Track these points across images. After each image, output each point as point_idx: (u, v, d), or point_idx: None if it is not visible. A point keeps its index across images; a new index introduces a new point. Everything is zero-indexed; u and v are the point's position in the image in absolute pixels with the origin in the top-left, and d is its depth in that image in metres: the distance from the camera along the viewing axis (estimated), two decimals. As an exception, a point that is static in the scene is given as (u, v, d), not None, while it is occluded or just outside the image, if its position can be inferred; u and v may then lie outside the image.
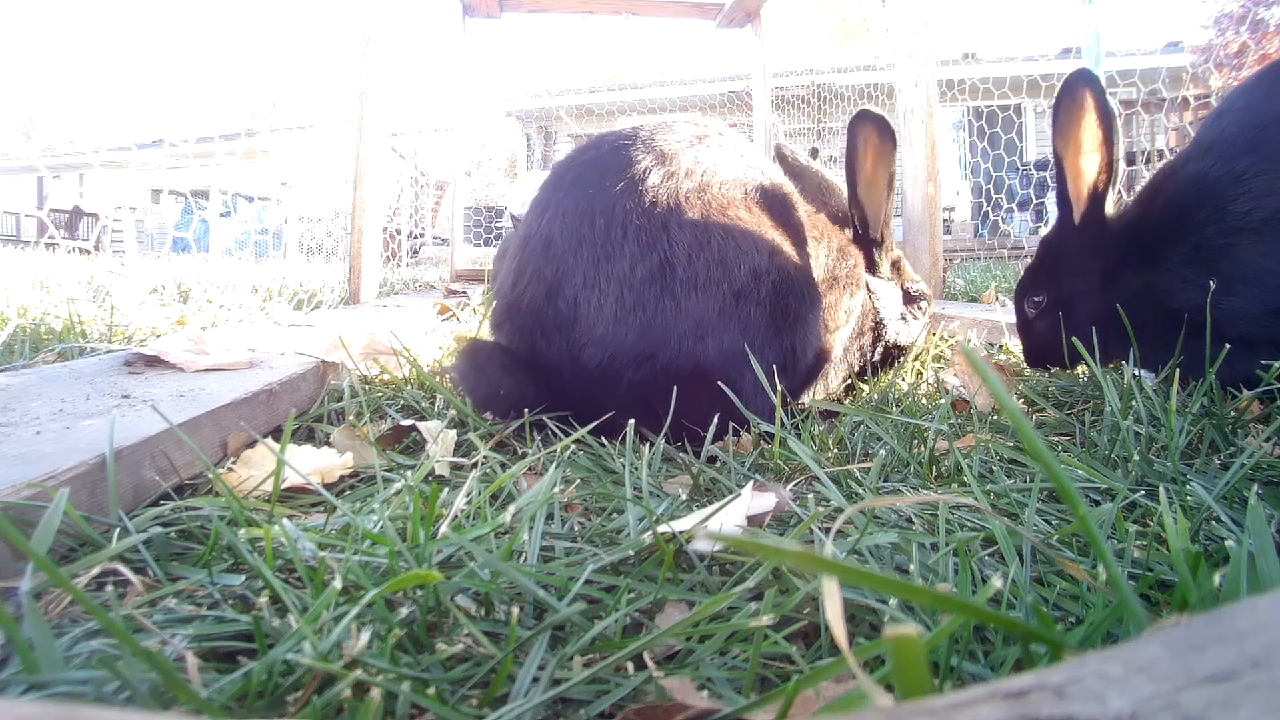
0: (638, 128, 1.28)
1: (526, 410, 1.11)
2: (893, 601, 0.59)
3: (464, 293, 3.86)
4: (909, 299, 1.67)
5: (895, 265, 1.68)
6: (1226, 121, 1.33)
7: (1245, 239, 1.21)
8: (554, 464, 0.89)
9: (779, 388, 1.08)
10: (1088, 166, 1.40)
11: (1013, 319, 2.14)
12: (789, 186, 1.37)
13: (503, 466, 0.99)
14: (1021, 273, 1.63)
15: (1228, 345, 1.12)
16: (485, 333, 1.27)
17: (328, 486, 0.93)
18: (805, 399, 1.35)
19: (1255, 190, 1.21)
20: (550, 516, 0.79)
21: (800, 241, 1.29)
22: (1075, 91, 1.36)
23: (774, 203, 1.28)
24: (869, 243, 1.60)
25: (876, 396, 1.42)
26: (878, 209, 1.57)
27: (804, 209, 1.38)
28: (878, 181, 1.54)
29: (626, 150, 1.19)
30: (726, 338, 1.10)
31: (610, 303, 1.08)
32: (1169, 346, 1.21)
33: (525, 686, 0.50)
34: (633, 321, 1.07)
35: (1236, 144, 1.27)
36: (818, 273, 1.33)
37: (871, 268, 1.60)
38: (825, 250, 1.40)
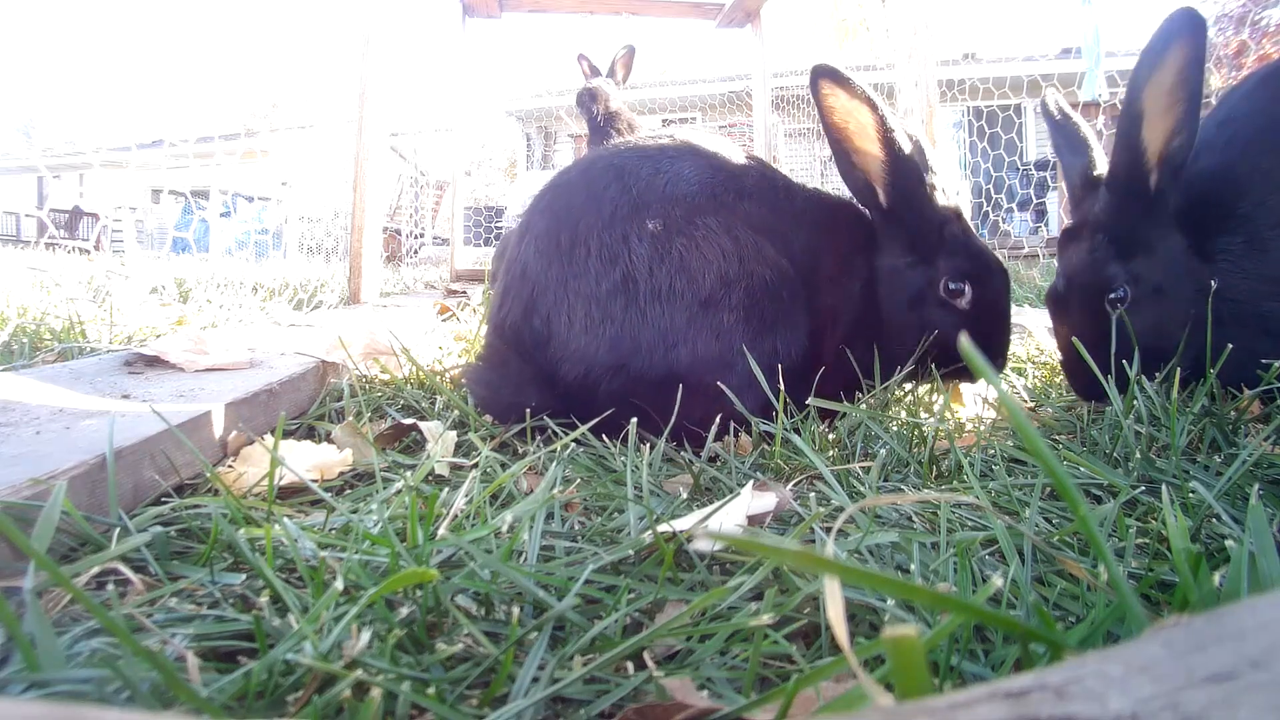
0: (611, 145, 1.29)
1: (528, 412, 1.11)
2: (893, 601, 0.59)
3: (464, 293, 3.86)
4: (941, 278, 1.28)
5: (940, 234, 1.29)
6: (1237, 126, 1.32)
7: None
8: (554, 463, 0.89)
9: (780, 388, 1.08)
10: (1164, 127, 1.20)
11: (1012, 319, 2.12)
12: (777, 184, 1.30)
13: (503, 466, 0.99)
14: (1059, 265, 1.38)
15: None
16: (495, 315, 1.27)
17: (328, 484, 0.93)
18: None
19: None
20: (550, 516, 0.79)
21: (784, 241, 1.24)
22: (1169, 41, 1.16)
23: (751, 205, 1.23)
24: (885, 214, 1.31)
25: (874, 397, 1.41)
26: (880, 168, 1.28)
27: (792, 205, 1.29)
28: (867, 138, 1.27)
29: (594, 169, 1.22)
30: (699, 343, 1.11)
31: (580, 318, 1.12)
32: (1245, 347, 1.12)
33: (525, 686, 0.50)
34: (603, 335, 1.11)
35: (1255, 144, 1.27)
36: (808, 270, 1.25)
37: (893, 245, 1.31)
38: (817, 245, 1.28)
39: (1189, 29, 1.15)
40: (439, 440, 1.05)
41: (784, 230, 1.26)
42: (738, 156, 1.30)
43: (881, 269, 1.32)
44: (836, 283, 1.30)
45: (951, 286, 1.27)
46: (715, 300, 1.12)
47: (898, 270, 1.30)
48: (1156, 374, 1.18)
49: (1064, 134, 1.52)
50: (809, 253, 1.27)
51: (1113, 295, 1.27)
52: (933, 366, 1.27)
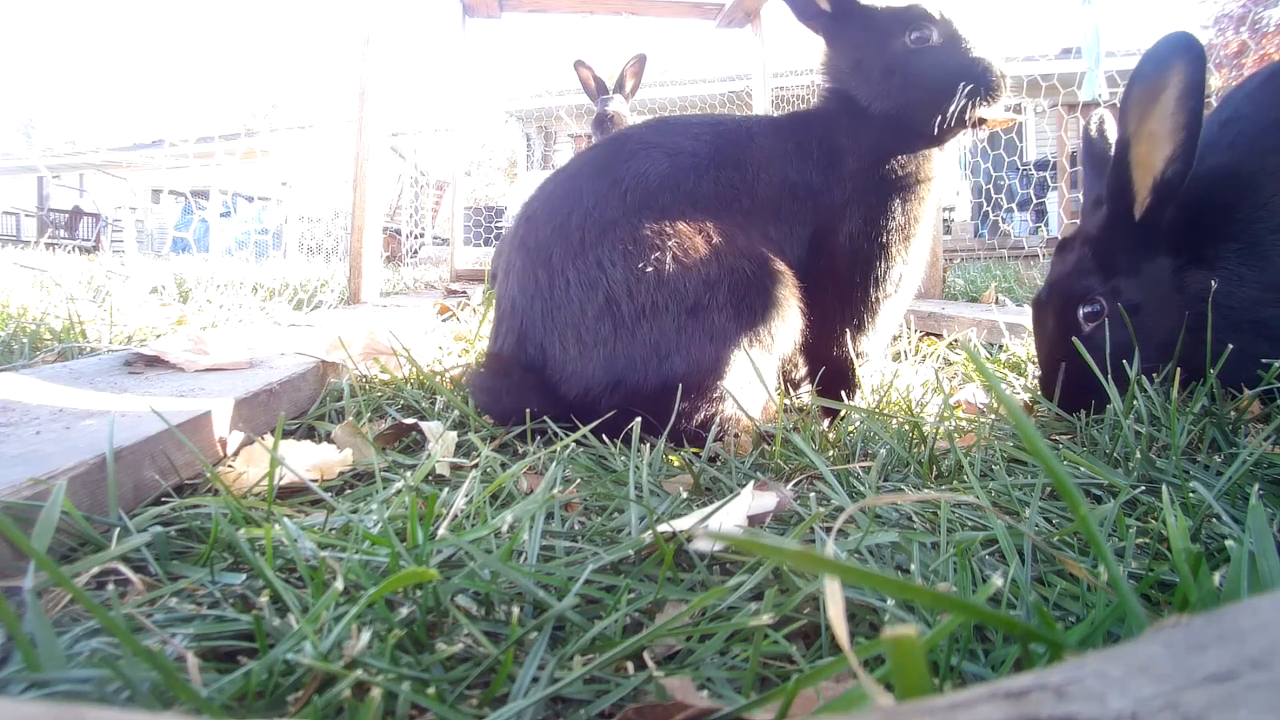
0: (568, 162, 1.30)
1: (528, 413, 1.12)
2: (893, 601, 0.59)
3: (464, 293, 3.86)
4: (901, 36, 1.30)
5: (875, 13, 1.35)
6: (1241, 125, 1.30)
7: None
8: (554, 463, 0.89)
9: (778, 384, 1.08)
10: (1160, 154, 1.17)
11: (1013, 319, 2.11)
12: (754, 157, 1.26)
13: (503, 467, 0.99)
14: (1047, 274, 1.39)
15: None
16: (491, 342, 1.28)
17: (328, 484, 0.93)
18: (805, 390, 1.34)
19: None
20: (550, 516, 0.79)
21: (765, 221, 1.22)
22: (1165, 66, 1.12)
23: (709, 182, 1.20)
24: (832, 18, 1.40)
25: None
26: None
27: (754, 148, 1.27)
28: None
29: (555, 196, 1.23)
30: (694, 349, 1.11)
31: (572, 344, 1.13)
32: (1242, 353, 1.09)
33: (525, 686, 0.50)
34: (596, 357, 1.12)
35: (1260, 144, 1.25)
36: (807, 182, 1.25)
37: (846, 45, 1.38)
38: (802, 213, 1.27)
39: (1184, 53, 1.11)
40: (439, 440, 1.05)
41: (751, 179, 1.25)
42: (690, 127, 1.28)
43: (854, 87, 1.34)
44: (837, 175, 1.29)
45: (915, 36, 1.30)
46: (702, 305, 1.11)
47: (862, 60, 1.34)
48: (1127, 388, 1.13)
49: (1093, 154, 1.49)
50: (799, 168, 1.27)
51: (1086, 309, 1.27)
52: (960, 108, 1.25)
